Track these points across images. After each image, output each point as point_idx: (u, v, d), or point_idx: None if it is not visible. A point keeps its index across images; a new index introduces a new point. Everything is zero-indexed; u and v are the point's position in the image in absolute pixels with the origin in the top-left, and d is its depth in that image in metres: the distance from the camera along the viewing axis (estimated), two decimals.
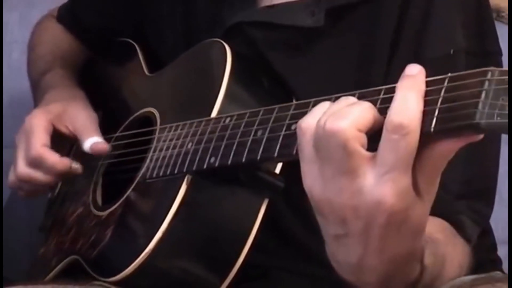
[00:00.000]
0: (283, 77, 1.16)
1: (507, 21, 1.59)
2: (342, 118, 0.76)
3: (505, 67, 1.14)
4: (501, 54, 1.15)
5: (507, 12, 1.60)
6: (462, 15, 1.12)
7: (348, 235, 0.79)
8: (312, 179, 0.79)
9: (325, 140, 0.77)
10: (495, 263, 1.23)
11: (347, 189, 0.77)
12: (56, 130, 1.25)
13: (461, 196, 1.08)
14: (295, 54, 1.17)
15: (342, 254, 0.82)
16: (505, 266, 1.25)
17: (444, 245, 0.98)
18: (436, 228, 1.01)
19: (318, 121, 0.78)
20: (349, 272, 0.83)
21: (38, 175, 1.23)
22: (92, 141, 1.23)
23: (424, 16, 1.11)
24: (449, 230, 1.05)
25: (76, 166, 1.24)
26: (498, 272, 1.19)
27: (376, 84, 0.82)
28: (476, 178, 1.11)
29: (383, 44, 1.12)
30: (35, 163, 1.22)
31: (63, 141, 1.26)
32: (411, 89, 0.76)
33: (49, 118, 1.25)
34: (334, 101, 0.83)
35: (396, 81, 0.78)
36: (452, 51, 1.09)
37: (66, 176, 1.25)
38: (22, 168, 1.23)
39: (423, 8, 1.12)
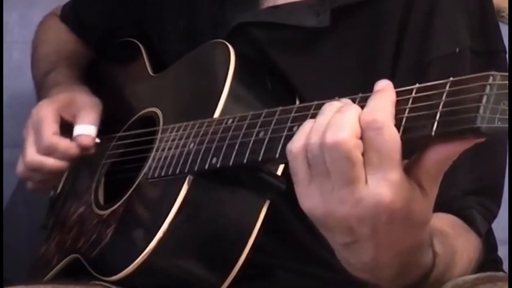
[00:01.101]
0: (288, 77, 1.16)
1: (507, 21, 1.60)
2: (340, 129, 0.77)
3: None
4: (505, 52, 1.16)
5: (507, 12, 1.60)
6: (466, 15, 1.13)
7: (356, 241, 0.80)
8: (311, 200, 0.80)
9: (327, 155, 0.77)
10: (496, 263, 1.23)
11: (348, 199, 0.77)
12: (63, 119, 1.25)
13: (471, 193, 1.09)
14: (299, 54, 1.17)
15: (354, 258, 0.83)
16: (505, 266, 1.25)
17: (454, 238, 0.99)
18: (446, 223, 1.02)
19: (308, 139, 0.79)
20: (364, 271, 0.84)
21: (50, 161, 1.22)
22: (79, 131, 1.23)
23: (428, 16, 1.12)
24: (460, 225, 1.06)
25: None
26: (500, 272, 1.19)
27: None
28: (485, 176, 1.11)
29: (388, 44, 1.12)
30: (48, 151, 1.22)
31: (70, 131, 1.26)
32: (381, 97, 0.78)
33: (56, 107, 1.25)
34: None
35: (401, 81, 0.80)
36: (457, 50, 1.10)
37: (77, 162, 1.25)
38: (32, 155, 1.23)
39: (427, 8, 1.12)
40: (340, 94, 0.85)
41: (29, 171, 1.25)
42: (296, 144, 0.80)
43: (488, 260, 1.17)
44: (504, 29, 1.23)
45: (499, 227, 1.24)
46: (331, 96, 0.86)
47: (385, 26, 1.13)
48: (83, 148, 1.23)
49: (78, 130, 1.23)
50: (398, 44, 1.12)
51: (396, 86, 0.81)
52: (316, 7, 1.15)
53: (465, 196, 1.08)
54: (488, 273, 1.06)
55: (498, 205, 1.15)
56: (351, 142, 0.76)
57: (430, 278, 0.90)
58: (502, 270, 1.22)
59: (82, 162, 1.26)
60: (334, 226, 0.80)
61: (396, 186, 0.77)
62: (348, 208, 0.78)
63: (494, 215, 1.14)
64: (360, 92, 0.83)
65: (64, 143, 1.22)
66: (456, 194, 1.07)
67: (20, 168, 1.25)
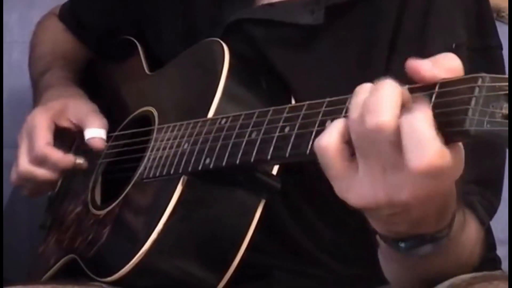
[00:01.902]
0: (283, 74, 1.15)
1: (507, 21, 1.59)
2: (380, 113, 0.75)
3: (505, 66, 1.14)
4: (501, 49, 1.15)
5: (507, 12, 1.59)
6: (463, 13, 1.12)
7: (406, 210, 0.80)
8: (358, 191, 0.78)
9: (370, 139, 0.76)
10: (495, 262, 1.22)
11: (407, 182, 0.76)
12: (58, 126, 1.25)
13: (473, 182, 1.08)
14: (295, 52, 1.17)
15: (400, 220, 0.82)
16: (505, 266, 1.25)
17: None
18: None
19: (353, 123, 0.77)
20: (404, 225, 0.84)
21: (41, 172, 1.22)
22: (91, 134, 1.23)
23: (425, 13, 1.11)
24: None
25: (81, 161, 1.23)
26: (498, 271, 1.19)
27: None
28: (487, 170, 1.10)
29: (383, 41, 1.12)
30: (39, 161, 1.22)
31: (65, 138, 1.26)
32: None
33: (51, 115, 1.25)
34: (327, 105, 0.83)
35: (397, 78, 0.78)
36: (454, 45, 1.09)
37: (69, 173, 1.25)
38: (24, 165, 1.22)
39: (423, 6, 1.12)
40: (336, 92, 0.85)
41: (21, 179, 1.25)
42: (326, 139, 0.79)
43: (487, 258, 1.16)
44: (504, 29, 1.22)
45: (498, 227, 1.23)
46: (327, 94, 0.86)
47: (381, 24, 1.13)
48: (96, 150, 1.23)
49: (89, 133, 1.23)
50: (394, 42, 1.12)
51: None
52: (311, 5, 1.15)
53: (468, 184, 1.07)
54: (485, 272, 1.05)
55: (499, 200, 1.14)
56: (393, 125, 0.75)
57: (455, 221, 0.90)
58: (501, 269, 1.21)
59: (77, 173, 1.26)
60: (387, 207, 0.79)
61: (454, 165, 0.77)
62: (407, 191, 0.76)
63: (494, 209, 1.13)
64: None
65: (55, 155, 1.21)
66: (459, 182, 1.06)
67: (13, 176, 1.25)
